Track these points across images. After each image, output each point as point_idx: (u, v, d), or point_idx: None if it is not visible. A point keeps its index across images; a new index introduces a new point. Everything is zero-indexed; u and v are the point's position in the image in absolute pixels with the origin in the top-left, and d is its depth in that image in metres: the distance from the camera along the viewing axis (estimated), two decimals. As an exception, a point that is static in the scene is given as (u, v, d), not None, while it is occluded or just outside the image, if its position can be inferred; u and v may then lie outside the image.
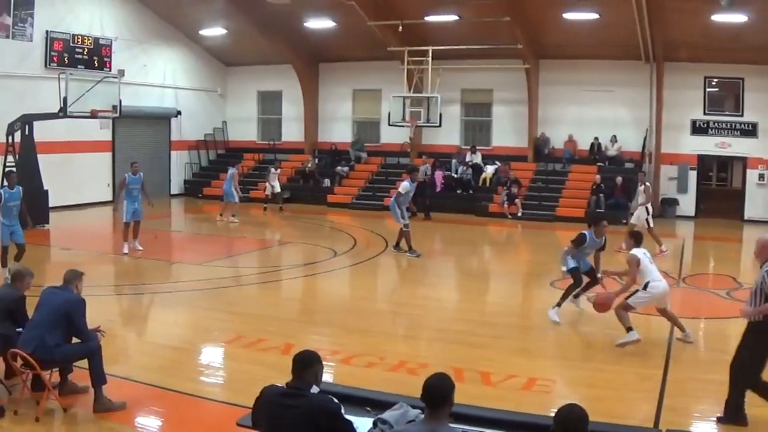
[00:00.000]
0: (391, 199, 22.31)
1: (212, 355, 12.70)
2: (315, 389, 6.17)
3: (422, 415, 5.89)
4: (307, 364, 6.26)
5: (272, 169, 32.80)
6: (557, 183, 31.52)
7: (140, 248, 21.40)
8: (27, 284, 10.16)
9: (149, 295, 16.98)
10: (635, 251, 12.65)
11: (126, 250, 21.08)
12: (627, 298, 12.68)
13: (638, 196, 23.97)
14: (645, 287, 12.47)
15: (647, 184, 23.86)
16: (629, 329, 12.52)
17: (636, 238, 13.09)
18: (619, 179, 29.81)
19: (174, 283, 18.26)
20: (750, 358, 9.15)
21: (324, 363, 10.78)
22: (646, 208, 22.96)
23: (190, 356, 12.34)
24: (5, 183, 18.62)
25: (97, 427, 9.04)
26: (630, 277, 12.57)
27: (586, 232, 14.21)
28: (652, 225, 22.72)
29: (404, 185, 21.75)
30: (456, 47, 30.89)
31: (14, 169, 22.89)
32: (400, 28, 30.88)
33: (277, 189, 32.55)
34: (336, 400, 6.10)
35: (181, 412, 9.74)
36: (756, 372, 9.19)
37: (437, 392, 5.60)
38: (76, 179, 30.39)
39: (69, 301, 9.42)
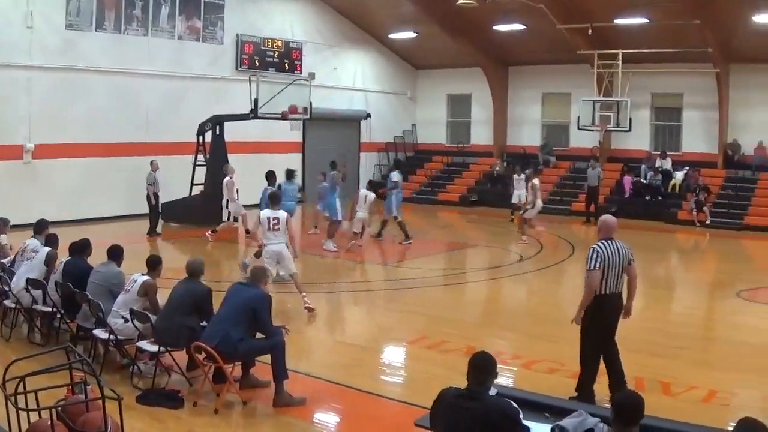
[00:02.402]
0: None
1: (394, 354, 12.95)
2: (493, 391, 6.25)
3: (601, 424, 5.90)
4: (489, 368, 6.25)
5: (515, 176, 29.82)
6: (747, 191, 30.46)
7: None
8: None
9: (335, 293, 17.48)
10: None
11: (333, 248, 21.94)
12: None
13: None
14: None
15: (534, 182, 24.51)
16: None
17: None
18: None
19: (360, 283, 18.64)
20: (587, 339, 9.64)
21: (505, 367, 10.99)
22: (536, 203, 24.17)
23: (372, 355, 12.60)
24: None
25: (275, 422, 9.30)
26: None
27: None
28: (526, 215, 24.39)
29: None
30: (646, 50, 30.34)
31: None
32: (590, 31, 30.51)
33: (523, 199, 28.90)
34: (515, 405, 6.10)
35: (360, 410, 9.94)
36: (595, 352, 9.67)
37: (632, 410, 5.54)
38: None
39: (255, 297, 9.71)
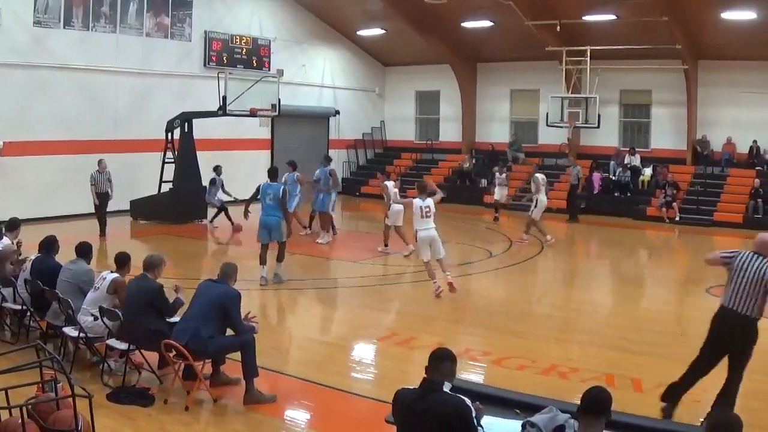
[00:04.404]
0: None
1: (364, 351, 12.95)
2: (447, 386, 6.21)
3: (572, 420, 5.93)
4: (440, 358, 6.26)
5: (497, 173, 29.98)
6: (716, 187, 30.59)
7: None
8: (159, 272, 10.53)
9: (305, 290, 17.33)
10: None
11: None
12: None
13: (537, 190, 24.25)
14: None
15: (537, 176, 24.65)
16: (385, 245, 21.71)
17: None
18: (778, 184, 28.79)
19: (329, 280, 18.60)
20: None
21: (475, 363, 10.99)
22: (538, 199, 23.87)
23: (342, 352, 12.61)
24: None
25: (245, 419, 9.26)
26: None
27: None
28: (532, 215, 24.03)
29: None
30: (614, 47, 30.50)
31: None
32: (558, 27, 30.67)
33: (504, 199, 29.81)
34: (468, 402, 6.02)
35: (330, 407, 9.95)
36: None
37: (599, 404, 5.64)
38: (235, 176, 31.20)
39: (225, 294, 9.67)
